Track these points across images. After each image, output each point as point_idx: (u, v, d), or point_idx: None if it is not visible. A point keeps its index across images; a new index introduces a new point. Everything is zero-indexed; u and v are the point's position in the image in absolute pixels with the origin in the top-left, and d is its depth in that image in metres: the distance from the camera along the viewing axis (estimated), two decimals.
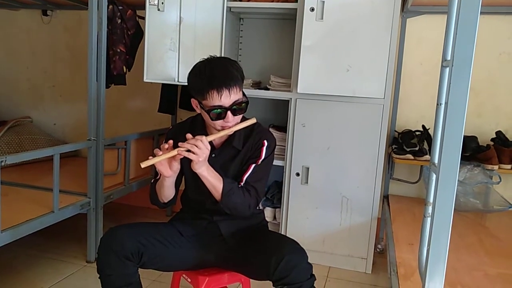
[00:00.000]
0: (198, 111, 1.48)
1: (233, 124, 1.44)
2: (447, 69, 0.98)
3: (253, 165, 1.51)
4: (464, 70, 0.89)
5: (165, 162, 1.39)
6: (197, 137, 1.35)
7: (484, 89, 2.50)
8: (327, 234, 2.39)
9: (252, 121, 1.48)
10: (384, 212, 2.53)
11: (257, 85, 2.59)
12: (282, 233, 2.41)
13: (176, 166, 1.40)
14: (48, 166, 2.12)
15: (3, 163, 1.71)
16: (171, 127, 1.69)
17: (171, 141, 1.38)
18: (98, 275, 1.40)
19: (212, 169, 1.42)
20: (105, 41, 2.22)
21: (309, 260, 1.36)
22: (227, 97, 1.38)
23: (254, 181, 1.51)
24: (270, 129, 2.49)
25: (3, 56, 3.44)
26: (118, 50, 2.51)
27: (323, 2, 2.13)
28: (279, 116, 2.70)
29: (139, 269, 1.43)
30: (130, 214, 3.10)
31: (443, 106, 1.02)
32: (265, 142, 1.53)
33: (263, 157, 1.52)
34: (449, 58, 0.98)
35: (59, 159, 2.03)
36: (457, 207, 2.23)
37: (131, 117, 3.21)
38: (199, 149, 1.33)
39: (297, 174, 2.38)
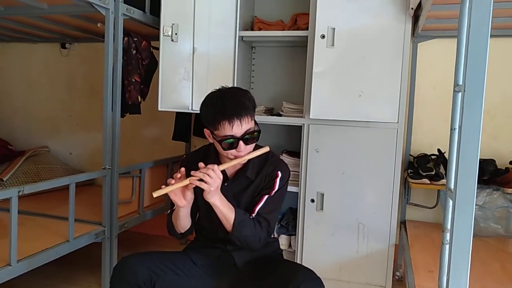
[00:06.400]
0: (211, 140, 1.49)
1: (246, 153, 1.44)
2: (460, 94, 0.97)
3: (266, 196, 1.50)
4: (476, 95, 0.88)
5: (178, 192, 1.39)
6: (209, 166, 1.35)
7: (500, 112, 2.47)
8: (343, 261, 2.34)
9: (265, 149, 1.48)
10: (401, 238, 2.47)
11: (270, 112, 2.60)
12: (298, 261, 2.37)
13: (190, 195, 1.40)
14: (64, 195, 2.14)
15: (20, 193, 1.73)
16: (184, 155, 1.70)
17: (183, 169, 1.39)
18: None
19: (224, 199, 1.42)
20: (120, 71, 2.28)
21: None
22: (239, 127, 1.39)
23: (266, 212, 1.49)
24: (284, 155, 2.49)
25: (22, 87, 3.55)
26: (133, 80, 2.56)
27: (334, 29, 2.16)
28: (292, 142, 2.70)
29: None
30: (145, 242, 3.09)
31: (457, 131, 1.01)
32: (279, 173, 1.52)
33: (276, 188, 1.51)
34: (461, 83, 0.98)
35: (75, 188, 2.06)
36: (478, 232, 2.18)
37: (145, 146, 3.25)
38: (210, 178, 1.33)
39: (312, 201, 2.35)
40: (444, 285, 1.03)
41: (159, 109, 2.49)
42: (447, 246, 1.03)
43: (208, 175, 1.33)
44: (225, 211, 1.40)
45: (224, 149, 1.41)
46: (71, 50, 3.37)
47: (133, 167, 2.51)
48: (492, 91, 2.39)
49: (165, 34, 2.43)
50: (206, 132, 1.48)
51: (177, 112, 2.94)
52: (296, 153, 2.51)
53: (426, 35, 2.47)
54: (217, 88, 1.48)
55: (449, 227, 1.03)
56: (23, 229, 1.78)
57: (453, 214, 0.94)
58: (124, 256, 1.43)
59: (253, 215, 1.48)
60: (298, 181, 2.38)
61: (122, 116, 2.47)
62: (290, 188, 2.24)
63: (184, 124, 3.01)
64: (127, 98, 2.54)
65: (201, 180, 1.33)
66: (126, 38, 2.45)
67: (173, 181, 1.35)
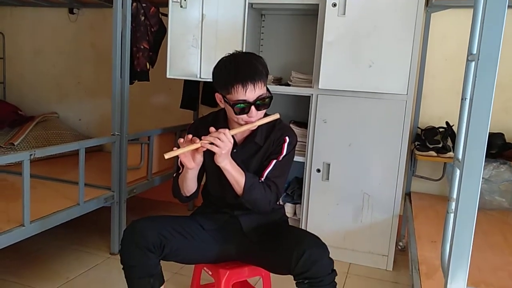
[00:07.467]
0: (222, 105, 1.50)
1: (256, 119, 1.45)
2: (473, 63, 0.96)
3: (274, 161, 1.52)
4: (490, 65, 0.87)
5: (188, 154, 1.41)
6: (220, 130, 1.36)
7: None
8: (347, 230, 2.38)
9: (276, 116, 1.49)
10: (406, 209, 2.50)
11: (278, 81, 2.59)
12: (303, 228, 2.41)
13: (199, 158, 1.42)
14: (74, 160, 2.17)
15: (32, 157, 1.77)
16: (192, 122, 1.70)
17: (195, 138, 1.39)
18: (122, 266, 1.43)
19: (234, 163, 1.44)
20: (129, 38, 2.26)
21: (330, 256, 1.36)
22: (252, 92, 1.39)
23: (274, 176, 1.51)
24: (291, 125, 2.49)
25: (30, 54, 3.54)
26: (142, 47, 2.54)
27: None
28: (300, 112, 2.70)
29: (162, 262, 1.46)
30: (153, 208, 3.15)
31: (467, 100, 1.00)
32: (287, 139, 1.53)
33: (284, 153, 1.53)
34: (475, 52, 0.97)
35: (84, 153, 2.09)
36: (482, 205, 2.20)
37: (154, 113, 3.26)
38: (222, 142, 1.34)
39: (318, 170, 2.37)
40: (447, 253, 1.05)
41: (167, 76, 2.48)
42: (452, 215, 1.05)
43: (219, 139, 1.34)
44: (236, 175, 1.42)
45: (236, 114, 1.41)
46: (79, 16, 3.34)
47: (141, 134, 2.53)
48: (504, 65, 2.35)
49: (174, 0, 2.39)
50: (218, 96, 1.48)
51: (185, 80, 2.93)
52: (303, 124, 2.51)
53: (440, 4, 2.41)
54: (230, 52, 1.48)
55: (454, 196, 1.04)
56: (34, 192, 1.82)
57: (459, 184, 0.94)
58: (134, 220, 1.46)
59: (262, 179, 1.50)
60: (305, 151, 2.40)
61: (131, 83, 2.47)
62: (297, 158, 2.26)
63: (192, 93, 3.01)
64: (135, 65, 2.53)
65: (211, 144, 1.35)
66: (134, 4, 2.42)
67: (184, 143, 1.37)
